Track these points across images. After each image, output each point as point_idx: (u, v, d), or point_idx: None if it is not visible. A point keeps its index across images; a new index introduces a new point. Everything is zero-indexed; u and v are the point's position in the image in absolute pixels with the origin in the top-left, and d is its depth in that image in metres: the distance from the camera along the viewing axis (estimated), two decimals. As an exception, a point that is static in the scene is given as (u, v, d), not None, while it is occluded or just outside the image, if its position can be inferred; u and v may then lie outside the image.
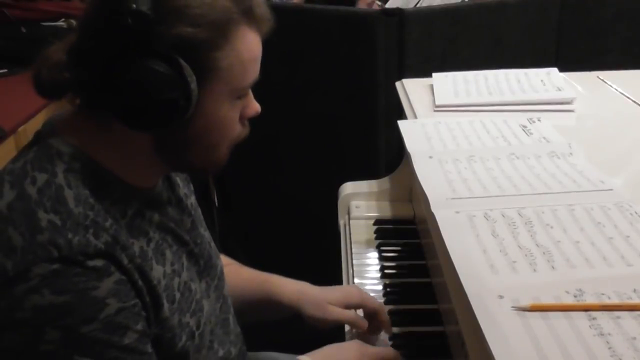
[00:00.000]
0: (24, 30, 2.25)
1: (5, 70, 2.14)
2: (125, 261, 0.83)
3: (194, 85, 0.82)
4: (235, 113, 0.91)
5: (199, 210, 1.10)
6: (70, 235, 0.79)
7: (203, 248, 1.03)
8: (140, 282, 0.85)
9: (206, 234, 1.08)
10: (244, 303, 1.17)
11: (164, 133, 0.85)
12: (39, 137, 0.88)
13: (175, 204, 1.00)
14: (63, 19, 2.31)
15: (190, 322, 0.94)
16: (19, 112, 1.86)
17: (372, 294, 1.25)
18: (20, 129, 1.83)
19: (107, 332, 0.80)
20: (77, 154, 0.85)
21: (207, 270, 1.04)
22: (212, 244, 1.10)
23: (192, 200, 1.07)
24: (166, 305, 0.89)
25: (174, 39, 0.80)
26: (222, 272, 1.10)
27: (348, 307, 1.16)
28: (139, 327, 0.83)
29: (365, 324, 1.15)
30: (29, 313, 0.77)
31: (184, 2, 0.81)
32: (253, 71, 0.89)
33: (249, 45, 0.87)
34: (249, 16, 0.86)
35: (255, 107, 0.94)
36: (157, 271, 0.89)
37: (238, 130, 0.93)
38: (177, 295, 0.92)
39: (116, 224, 0.84)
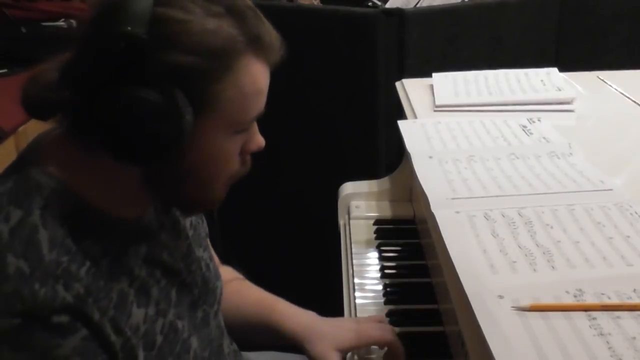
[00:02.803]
0: (24, 30, 2.25)
1: (5, 70, 2.14)
2: (97, 315, 0.78)
3: (188, 118, 0.76)
4: (235, 147, 0.85)
5: (201, 226, 1.05)
6: (37, 286, 0.73)
7: (198, 274, 0.98)
8: (113, 337, 0.79)
9: (205, 254, 1.03)
10: (247, 327, 1.13)
11: (154, 165, 0.80)
12: (21, 163, 0.82)
13: (169, 228, 0.94)
14: (63, 19, 2.31)
15: None
16: (19, 112, 1.85)
17: (372, 294, 1.26)
18: (20, 129, 1.83)
19: None
20: (57, 187, 0.79)
21: (204, 298, 0.99)
22: (212, 264, 1.05)
23: (192, 218, 1.02)
24: (142, 355, 0.83)
25: (170, 66, 0.75)
26: (221, 295, 1.05)
27: (360, 347, 1.09)
28: None
29: None
30: None
31: (183, 28, 0.75)
32: (256, 105, 0.83)
33: (254, 78, 0.81)
34: (256, 45, 0.80)
35: (258, 142, 0.89)
36: (137, 316, 0.84)
37: (237, 166, 0.87)
38: (159, 339, 0.87)
39: (95, 267, 0.79)
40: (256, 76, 0.81)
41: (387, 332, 1.09)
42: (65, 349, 0.74)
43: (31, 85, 0.81)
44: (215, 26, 0.77)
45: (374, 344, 1.10)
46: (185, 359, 0.91)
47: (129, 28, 0.72)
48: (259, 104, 0.84)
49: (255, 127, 0.88)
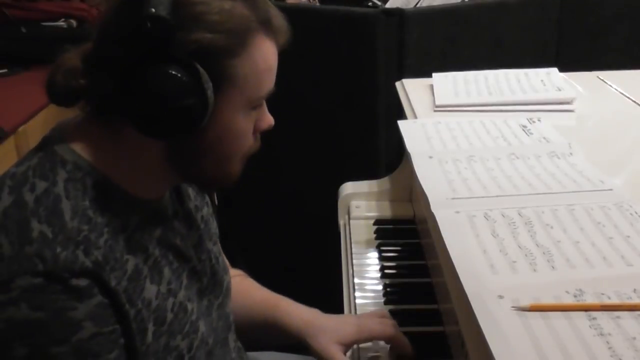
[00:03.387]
0: (24, 30, 2.26)
1: (5, 70, 2.15)
2: (113, 283, 0.81)
3: (210, 93, 0.81)
4: (250, 124, 0.90)
5: (211, 223, 1.08)
6: (58, 250, 0.77)
7: (207, 264, 1.02)
8: (126, 306, 0.83)
9: (215, 248, 1.06)
10: (251, 325, 1.16)
11: (177, 141, 0.85)
12: (46, 143, 0.86)
13: (182, 217, 0.98)
14: (63, 19, 2.32)
15: (181, 344, 0.92)
16: (19, 112, 1.87)
17: (372, 294, 1.26)
18: (20, 129, 1.83)
19: (76, 356, 0.78)
20: (81, 163, 0.84)
21: (211, 288, 1.02)
22: (221, 258, 1.08)
23: (203, 212, 1.05)
24: (151, 329, 0.86)
25: (192, 45, 0.80)
26: (228, 289, 1.08)
27: (361, 342, 1.11)
28: (112, 356, 0.81)
29: None
30: (2, 325, 0.76)
31: (202, 9, 0.81)
32: (268, 81, 0.89)
33: (266, 55, 0.87)
34: (267, 26, 0.86)
35: (268, 120, 0.94)
36: (150, 291, 0.87)
37: (251, 142, 0.92)
38: (169, 316, 0.90)
39: (112, 239, 0.83)
40: (267, 54, 0.87)
41: (388, 326, 1.10)
42: (80, 313, 0.78)
43: (56, 74, 0.85)
44: (231, 7, 0.83)
45: (374, 339, 1.11)
46: (193, 338, 0.94)
47: (154, 10, 0.77)
48: (270, 81, 0.89)
49: (265, 107, 0.93)
